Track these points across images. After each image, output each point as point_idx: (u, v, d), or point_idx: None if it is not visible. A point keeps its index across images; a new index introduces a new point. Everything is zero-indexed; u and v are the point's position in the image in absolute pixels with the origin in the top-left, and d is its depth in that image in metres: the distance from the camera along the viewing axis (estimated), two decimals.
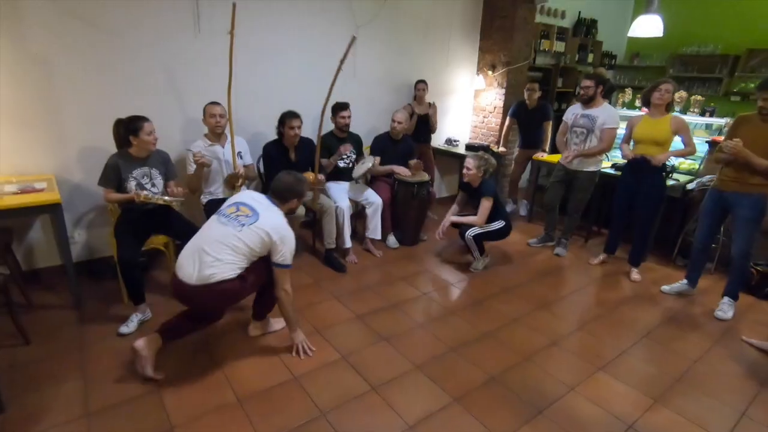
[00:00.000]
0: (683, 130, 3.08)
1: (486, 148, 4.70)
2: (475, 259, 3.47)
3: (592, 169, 3.56)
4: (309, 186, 2.83)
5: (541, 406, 2.06)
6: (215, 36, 3.17)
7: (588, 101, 3.45)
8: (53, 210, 2.46)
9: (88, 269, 3.07)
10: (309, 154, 3.30)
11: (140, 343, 2.08)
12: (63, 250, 2.62)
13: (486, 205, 3.30)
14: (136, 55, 2.95)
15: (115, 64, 2.89)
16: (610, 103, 4.72)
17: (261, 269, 2.20)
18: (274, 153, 3.29)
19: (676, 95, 4.15)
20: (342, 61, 2.85)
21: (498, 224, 3.39)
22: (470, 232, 3.33)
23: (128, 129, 2.48)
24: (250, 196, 2.24)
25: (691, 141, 3.10)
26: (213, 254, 2.04)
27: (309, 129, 3.85)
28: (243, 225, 2.09)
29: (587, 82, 3.41)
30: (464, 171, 3.33)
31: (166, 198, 2.50)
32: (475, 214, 3.35)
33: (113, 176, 2.50)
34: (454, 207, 3.64)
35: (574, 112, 3.58)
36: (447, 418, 1.97)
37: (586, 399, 2.13)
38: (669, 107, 3.13)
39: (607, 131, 3.39)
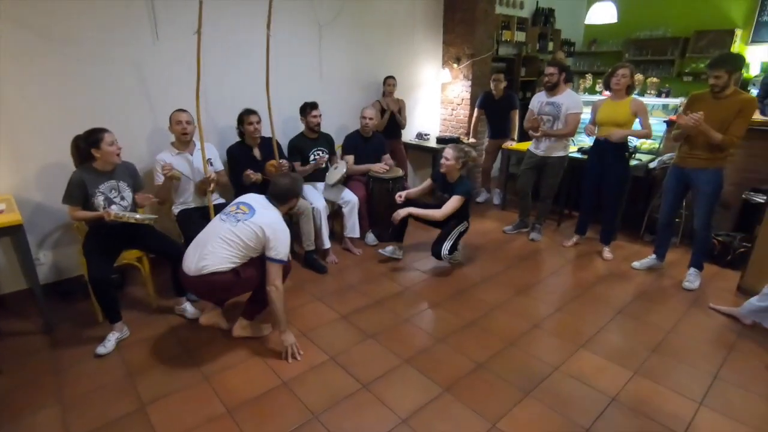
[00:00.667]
0: (641, 112, 3.21)
1: (457, 140, 4.76)
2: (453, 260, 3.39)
3: (560, 154, 3.66)
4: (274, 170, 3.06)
5: (528, 388, 2.12)
6: (175, 40, 3.08)
7: (552, 88, 3.54)
8: (14, 232, 2.35)
9: (58, 291, 2.94)
10: (273, 151, 3.28)
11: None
12: (29, 272, 2.51)
13: (455, 203, 3.15)
14: (93, 65, 2.84)
15: (70, 75, 2.77)
16: (572, 89, 4.86)
17: (258, 268, 2.28)
18: (238, 153, 3.26)
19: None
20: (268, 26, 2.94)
21: (462, 227, 3.30)
22: (444, 250, 3.15)
23: (88, 142, 2.37)
24: (252, 197, 2.39)
25: (647, 124, 3.22)
26: (209, 247, 2.21)
27: (278, 129, 3.80)
28: (238, 221, 2.24)
29: (551, 69, 3.50)
30: (442, 161, 3.23)
31: (138, 216, 2.40)
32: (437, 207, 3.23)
33: (78, 193, 2.39)
34: (416, 189, 3.50)
35: (539, 100, 3.67)
36: (439, 408, 2.00)
37: (570, 377, 2.20)
38: (630, 90, 3.24)
39: (572, 116, 3.50)
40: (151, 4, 2.97)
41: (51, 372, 2.24)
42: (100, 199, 2.43)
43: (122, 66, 2.96)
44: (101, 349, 2.36)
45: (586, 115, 3.60)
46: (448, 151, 3.21)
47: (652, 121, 4.18)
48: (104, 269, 2.37)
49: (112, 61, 2.91)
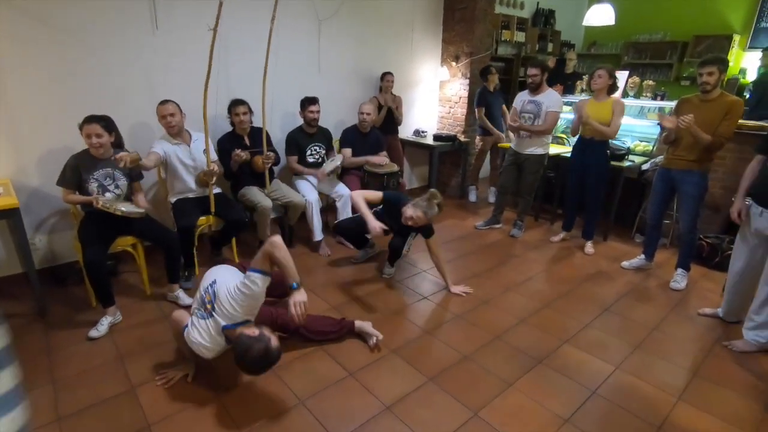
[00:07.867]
0: (616, 111, 3.30)
1: (453, 138, 4.80)
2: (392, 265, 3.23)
3: (540, 152, 3.78)
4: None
5: (511, 380, 2.16)
6: (174, 31, 3.12)
7: (535, 88, 3.66)
8: (11, 215, 2.38)
9: (53, 275, 2.98)
10: (262, 142, 3.31)
11: None
12: (24, 256, 2.54)
13: (434, 245, 2.99)
14: (92, 54, 2.86)
15: (70, 63, 2.80)
16: (571, 91, 4.91)
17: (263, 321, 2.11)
18: (228, 144, 3.26)
19: (630, 81, 4.38)
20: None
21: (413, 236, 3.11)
22: (405, 247, 3.06)
23: (79, 127, 2.42)
24: (204, 286, 2.07)
25: (614, 123, 3.31)
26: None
27: (276, 123, 3.84)
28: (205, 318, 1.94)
29: (534, 71, 3.63)
30: (410, 219, 2.79)
31: (124, 209, 2.38)
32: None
33: (71, 176, 2.44)
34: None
35: (522, 98, 3.80)
36: (422, 396, 2.05)
37: (554, 370, 2.25)
38: (612, 90, 3.37)
39: (550, 114, 3.63)
40: None
41: (44, 353, 2.28)
42: (93, 186, 2.47)
43: (122, 55, 2.98)
44: (94, 333, 2.40)
45: (567, 115, 3.68)
46: (417, 212, 2.78)
47: (645, 123, 4.26)
48: (99, 254, 2.41)
49: (112, 50, 2.93)
